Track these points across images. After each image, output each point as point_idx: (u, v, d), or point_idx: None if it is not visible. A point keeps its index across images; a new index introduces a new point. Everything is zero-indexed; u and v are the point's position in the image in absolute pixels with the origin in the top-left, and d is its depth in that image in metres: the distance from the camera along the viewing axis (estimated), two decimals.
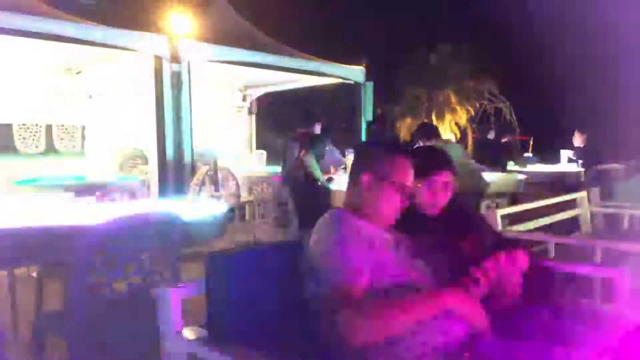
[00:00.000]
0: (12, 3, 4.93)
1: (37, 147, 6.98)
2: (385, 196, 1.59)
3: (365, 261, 1.42)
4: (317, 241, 1.50)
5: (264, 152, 9.92)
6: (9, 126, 6.74)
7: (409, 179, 1.62)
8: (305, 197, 4.32)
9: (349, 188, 1.67)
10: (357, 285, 1.38)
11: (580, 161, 7.28)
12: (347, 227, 1.49)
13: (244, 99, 10.29)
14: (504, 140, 8.27)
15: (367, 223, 1.55)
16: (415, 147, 3.94)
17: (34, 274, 3.31)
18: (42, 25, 5.04)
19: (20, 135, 6.86)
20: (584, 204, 3.97)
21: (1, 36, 4.95)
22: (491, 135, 8.63)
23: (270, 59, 7.30)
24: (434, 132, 4.41)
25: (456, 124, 18.08)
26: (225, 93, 9.87)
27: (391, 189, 1.58)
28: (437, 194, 1.83)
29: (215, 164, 7.11)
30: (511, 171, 6.90)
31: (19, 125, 6.84)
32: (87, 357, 2.02)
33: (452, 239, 1.75)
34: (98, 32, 5.47)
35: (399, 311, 1.35)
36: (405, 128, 18.43)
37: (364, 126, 8.86)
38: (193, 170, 6.28)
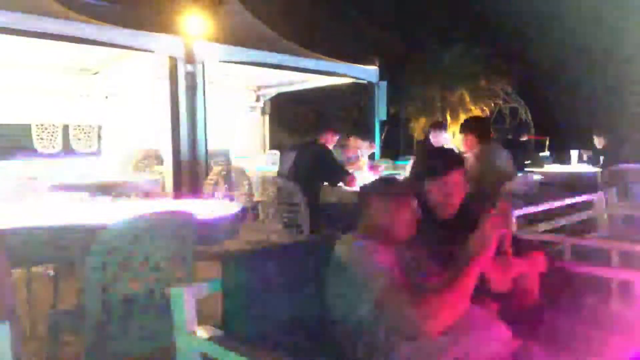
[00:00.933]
0: (31, 6, 5.01)
1: (54, 147, 7.08)
2: (396, 214, 1.63)
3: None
4: (354, 268, 1.49)
5: (277, 152, 9.95)
6: (27, 126, 6.85)
7: (410, 210, 1.66)
8: (318, 199, 4.31)
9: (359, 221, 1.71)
10: (404, 281, 1.41)
11: (595, 162, 7.17)
12: (372, 245, 1.52)
13: (258, 99, 10.34)
14: (522, 139, 8.17)
15: (386, 247, 1.55)
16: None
17: (50, 272, 3.36)
18: (61, 27, 5.11)
19: (38, 135, 6.97)
20: (601, 205, 3.91)
21: (21, 38, 5.04)
22: (510, 135, 8.52)
23: (283, 59, 7.32)
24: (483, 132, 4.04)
25: None
26: (239, 93, 9.93)
27: (398, 205, 1.64)
28: (449, 195, 1.81)
29: (229, 164, 7.15)
30: (528, 171, 6.82)
31: (37, 125, 6.95)
32: (101, 354, 2.04)
33: (465, 242, 1.73)
34: (114, 33, 5.53)
35: (451, 288, 1.37)
36: (419, 127, 18.32)
37: (377, 126, 8.84)
38: (207, 170, 6.32)
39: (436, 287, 1.39)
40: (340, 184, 4.35)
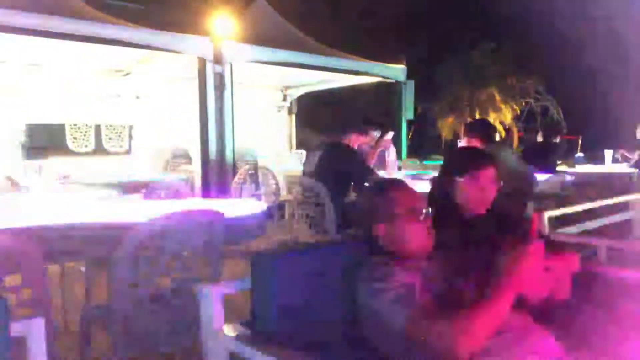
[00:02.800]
0: (63, 8, 5.14)
1: (86, 146, 7.25)
2: (407, 232, 1.54)
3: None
4: (377, 302, 1.43)
5: (303, 152, 9.97)
6: (61, 126, 7.04)
7: (412, 201, 1.58)
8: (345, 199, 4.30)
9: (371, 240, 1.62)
10: (429, 303, 1.36)
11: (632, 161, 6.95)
12: (388, 271, 1.46)
13: (284, 99, 10.38)
14: (555, 140, 7.98)
15: (406, 265, 1.49)
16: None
17: (82, 268, 3.44)
18: (92, 29, 5.24)
19: (71, 135, 7.15)
20: (638, 207, 3.78)
21: (54, 40, 5.19)
22: (540, 138, 8.33)
23: (310, 58, 7.33)
24: (486, 130, 4.17)
25: (501, 122, 17.60)
26: (266, 93, 9.99)
27: (407, 222, 1.54)
28: (480, 192, 1.78)
29: (256, 163, 7.20)
30: (560, 172, 6.66)
31: (70, 125, 7.13)
32: (129, 350, 2.07)
33: (495, 243, 1.69)
34: (144, 35, 5.64)
35: (486, 307, 1.31)
36: (446, 127, 18.10)
37: (404, 125, 8.77)
38: (234, 169, 6.39)
39: (469, 304, 1.34)
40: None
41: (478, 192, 1.77)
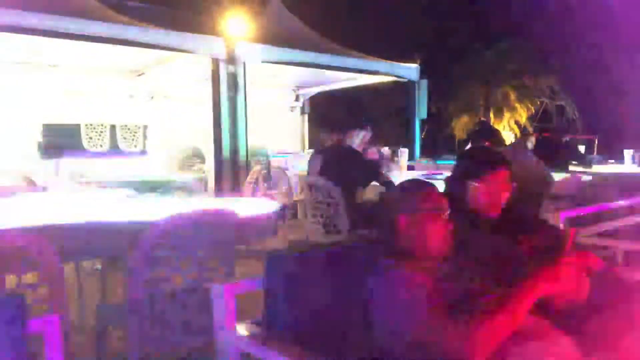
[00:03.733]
0: (80, 10, 5.21)
1: (102, 146, 7.32)
2: (428, 229, 1.52)
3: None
4: (388, 302, 1.43)
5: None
6: (77, 126, 7.12)
7: (438, 200, 1.57)
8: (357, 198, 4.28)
9: (386, 238, 1.59)
10: (443, 306, 1.35)
11: None
12: (402, 273, 1.44)
13: (297, 99, 10.39)
14: (565, 139, 7.88)
15: (420, 268, 1.47)
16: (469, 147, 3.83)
17: (98, 267, 3.48)
18: (106, 30, 5.30)
19: (87, 134, 7.23)
20: None
21: (71, 41, 5.26)
22: (546, 134, 8.24)
23: (323, 58, 7.33)
24: (493, 135, 4.24)
25: (516, 122, 17.43)
26: (279, 93, 10.01)
27: (429, 219, 1.52)
28: (494, 194, 1.76)
29: (269, 163, 7.22)
30: (574, 172, 6.57)
31: (86, 125, 7.22)
32: (144, 348, 2.09)
33: (512, 243, 1.68)
34: (158, 36, 5.69)
35: (504, 312, 1.30)
36: (460, 126, 17.97)
37: (417, 125, 8.73)
38: (247, 169, 6.41)
39: (486, 307, 1.33)
40: (375, 183, 4.32)
41: (489, 195, 1.75)
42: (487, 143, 4.00)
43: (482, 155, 1.94)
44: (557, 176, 4.84)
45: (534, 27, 16.53)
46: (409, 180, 1.78)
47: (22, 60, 6.73)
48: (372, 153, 5.65)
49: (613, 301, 1.61)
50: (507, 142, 5.16)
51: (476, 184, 1.76)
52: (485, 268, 1.51)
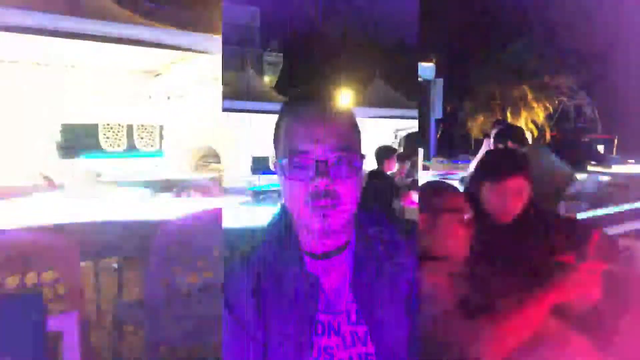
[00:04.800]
0: (96, 10, 5.28)
1: (119, 145, 7.43)
2: (446, 229, 1.51)
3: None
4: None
5: None
6: (95, 126, 7.23)
7: (460, 202, 1.55)
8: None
9: None
10: (456, 303, 1.35)
11: None
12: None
13: None
14: (584, 140, 7.77)
15: (437, 269, 1.45)
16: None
17: (115, 265, 3.53)
18: (125, 30, 5.35)
19: (104, 134, 7.34)
20: None
21: (89, 43, 5.33)
22: (556, 133, 8.13)
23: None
24: (516, 134, 4.11)
25: (533, 121, 17.19)
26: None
27: (449, 219, 1.51)
28: (507, 201, 1.72)
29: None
30: (592, 172, 6.47)
31: (103, 125, 7.32)
32: (159, 345, 2.12)
33: (531, 245, 1.65)
34: (175, 36, 5.73)
35: (519, 313, 1.29)
36: (476, 126, 17.77)
37: (432, 124, 8.68)
38: None
39: (503, 310, 1.31)
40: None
41: (500, 201, 1.73)
42: (509, 143, 3.90)
43: (497, 160, 1.90)
44: (580, 176, 4.79)
45: (554, 25, 16.28)
46: (430, 182, 1.77)
47: (42, 61, 6.84)
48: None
49: (632, 302, 1.59)
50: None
51: (486, 190, 1.74)
52: (504, 270, 1.49)
